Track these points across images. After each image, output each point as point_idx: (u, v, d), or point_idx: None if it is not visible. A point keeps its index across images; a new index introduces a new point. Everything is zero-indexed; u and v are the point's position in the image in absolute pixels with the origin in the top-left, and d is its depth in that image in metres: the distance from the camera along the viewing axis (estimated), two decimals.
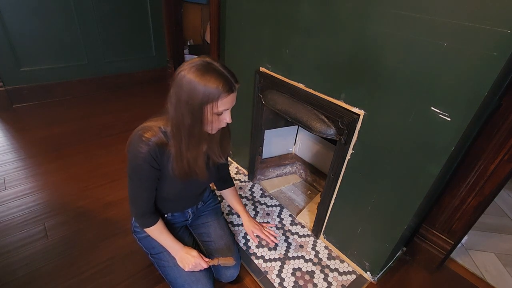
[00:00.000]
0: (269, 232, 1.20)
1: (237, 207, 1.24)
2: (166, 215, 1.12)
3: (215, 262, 1.06)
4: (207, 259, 1.05)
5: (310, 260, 1.31)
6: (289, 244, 1.37)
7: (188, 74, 0.76)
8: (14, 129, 2.05)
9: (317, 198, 1.59)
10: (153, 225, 1.01)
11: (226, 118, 0.85)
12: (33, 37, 2.20)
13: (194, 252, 1.05)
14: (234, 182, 1.71)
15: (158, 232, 1.03)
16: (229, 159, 1.83)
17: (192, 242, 1.17)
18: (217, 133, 0.96)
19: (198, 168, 0.93)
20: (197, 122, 0.82)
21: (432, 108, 0.83)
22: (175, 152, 0.88)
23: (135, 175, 0.91)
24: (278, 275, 1.22)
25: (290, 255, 1.32)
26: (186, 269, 1.03)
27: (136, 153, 0.86)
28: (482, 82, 0.73)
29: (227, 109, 0.84)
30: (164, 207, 1.09)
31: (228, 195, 1.26)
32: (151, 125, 0.88)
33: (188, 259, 1.03)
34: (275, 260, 1.29)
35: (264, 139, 1.60)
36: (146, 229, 1.02)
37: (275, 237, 1.21)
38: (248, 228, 1.20)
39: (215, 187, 1.29)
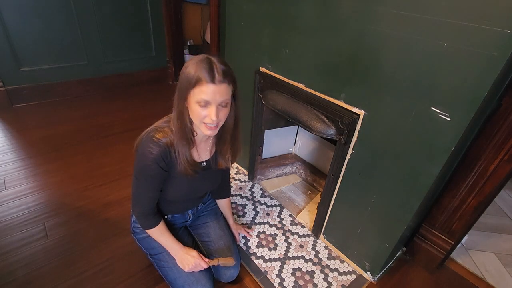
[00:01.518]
0: (244, 230, 1.38)
1: (228, 214, 1.34)
2: (166, 217, 1.12)
3: (215, 262, 1.06)
4: (206, 260, 1.05)
5: (310, 260, 1.31)
6: (289, 244, 1.37)
7: (187, 63, 0.82)
8: (14, 129, 2.05)
9: (317, 198, 1.59)
10: (155, 226, 1.01)
11: (211, 114, 0.81)
12: (33, 37, 2.20)
13: (194, 253, 1.05)
14: (234, 182, 1.72)
15: (159, 233, 1.03)
16: None
17: (191, 242, 1.17)
18: (228, 139, 0.96)
19: (183, 155, 0.90)
20: (183, 106, 0.83)
21: (432, 108, 0.83)
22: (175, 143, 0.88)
23: (143, 175, 0.91)
24: (278, 275, 1.22)
25: (290, 255, 1.32)
26: (185, 270, 1.03)
27: (146, 153, 0.85)
28: (482, 82, 0.73)
29: (208, 101, 0.80)
30: (165, 209, 1.09)
31: (223, 204, 1.32)
32: (163, 126, 0.89)
33: (188, 260, 1.03)
34: (275, 260, 1.29)
35: (264, 139, 1.60)
36: (148, 230, 1.02)
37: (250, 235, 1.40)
38: (235, 229, 1.35)
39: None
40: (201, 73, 0.78)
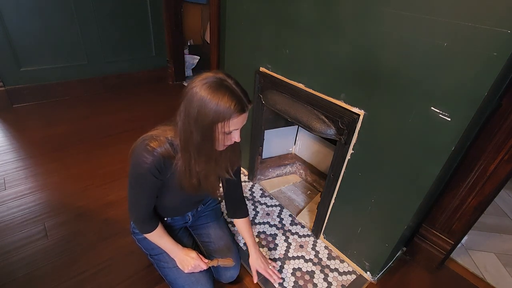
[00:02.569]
0: (273, 271, 1.16)
1: (248, 240, 1.16)
2: (166, 219, 1.11)
3: (214, 263, 1.06)
4: (206, 260, 1.05)
5: (310, 260, 1.31)
6: (289, 244, 1.37)
7: (200, 91, 0.73)
8: (14, 129, 2.05)
9: (317, 198, 1.59)
10: (153, 231, 1.00)
11: (235, 137, 0.82)
12: (33, 37, 2.20)
13: (193, 254, 1.04)
14: None
15: (157, 237, 1.02)
16: None
17: (191, 243, 1.17)
18: (227, 148, 0.93)
19: (210, 185, 0.91)
20: (207, 141, 0.79)
21: (432, 108, 0.83)
22: (184, 167, 0.85)
23: (137, 183, 0.90)
24: None
25: (290, 255, 1.32)
26: (185, 271, 1.03)
27: (140, 162, 0.83)
28: (482, 82, 0.73)
29: (237, 129, 0.81)
30: (164, 212, 1.08)
31: (240, 226, 1.17)
32: (158, 134, 0.85)
33: (188, 261, 1.03)
34: (275, 260, 1.29)
35: (264, 139, 1.60)
36: (146, 235, 1.02)
37: (278, 277, 1.16)
38: (253, 265, 1.14)
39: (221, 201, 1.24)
40: (231, 106, 0.73)
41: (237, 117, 0.76)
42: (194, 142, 0.79)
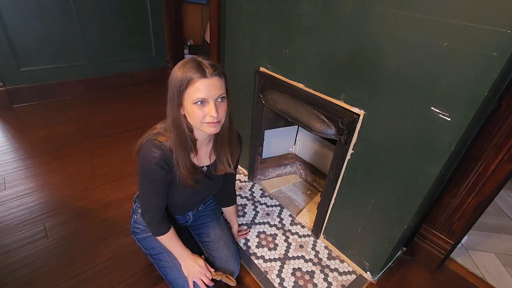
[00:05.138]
0: (243, 234, 1.39)
1: (233, 219, 1.33)
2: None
3: (218, 277, 1.07)
4: (212, 269, 1.07)
5: (310, 260, 1.31)
6: (289, 244, 1.37)
7: (173, 69, 0.81)
8: (14, 129, 2.05)
9: (317, 198, 1.59)
10: (166, 233, 1.00)
11: (210, 110, 0.79)
12: (33, 37, 2.20)
13: (201, 262, 1.05)
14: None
15: (168, 240, 1.03)
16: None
17: (192, 241, 1.17)
18: (225, 140, 0.94)
19: (184, 165, 0.89)
20: (178, 114, 0.82)
21: (432, 108, 0.83)
22: (174, 152, 0.86)
23: (148, 180, 0.90)
24: (278, 275, 1.22)
25: (290, 255, 1.32)
26: (189, 279, 1.03)
27: (149, 157, 0.84)
28: (482, 82, 0.73)
29: (204, 98, 0.78)
30: (167, 211, 1.08)
31: (228, 210, 1.30)
32: (162, 130, 0.88)
33: (194, 268, 1.03)
34: (275, 260, 1.29)
35: (264, 139, 1.60)
36: (158, 237, 1.02)
37: (246, 233, 1.41)
38: (235, 235, 1.34)
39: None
40: (190, 72, 0.77)
41: (197, 81, 0.77)
42: (170, 118, 0.83)
